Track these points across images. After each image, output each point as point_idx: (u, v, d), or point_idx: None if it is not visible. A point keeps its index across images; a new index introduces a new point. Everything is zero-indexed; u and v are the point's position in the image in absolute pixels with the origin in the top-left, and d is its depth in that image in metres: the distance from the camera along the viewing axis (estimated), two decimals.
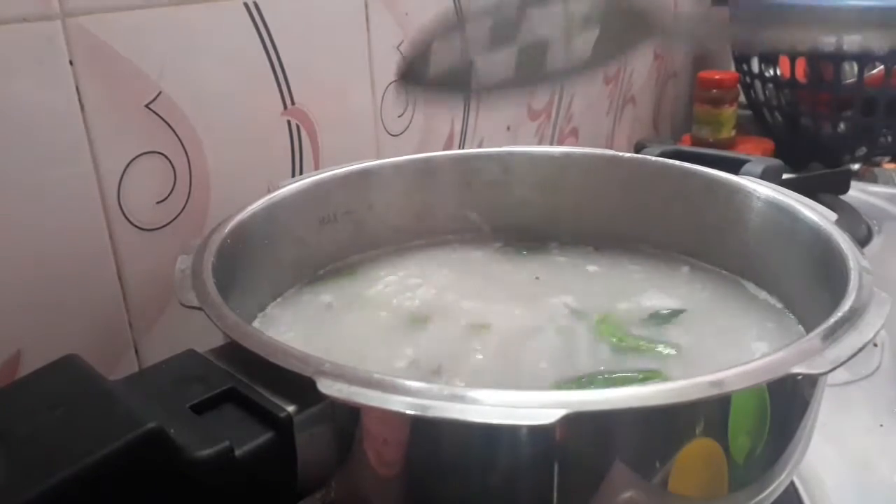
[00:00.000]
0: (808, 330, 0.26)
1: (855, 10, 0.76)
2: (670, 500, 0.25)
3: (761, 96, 0.98)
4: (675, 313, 0.38)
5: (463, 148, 0.63)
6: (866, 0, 0.82)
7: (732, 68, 1.04)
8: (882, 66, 0.85)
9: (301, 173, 0.48)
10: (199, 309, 0.28)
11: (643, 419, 0.24)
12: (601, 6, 0.38)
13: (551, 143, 0.78)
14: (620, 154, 0.46)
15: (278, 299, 0.40)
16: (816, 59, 0.88)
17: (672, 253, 0.44)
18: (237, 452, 0.23)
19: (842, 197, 0.68)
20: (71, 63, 0.35)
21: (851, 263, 0.30)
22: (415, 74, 0.41)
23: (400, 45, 0.54)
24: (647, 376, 0.32)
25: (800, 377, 0.24)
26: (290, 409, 0.24)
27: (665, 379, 0.32)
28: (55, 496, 0.21)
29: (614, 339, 0.35)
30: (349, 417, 0.25)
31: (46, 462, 0.21)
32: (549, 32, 0.39)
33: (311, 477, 0.25)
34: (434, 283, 0.42)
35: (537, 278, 0.43)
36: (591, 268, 0.44)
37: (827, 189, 0.67)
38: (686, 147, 0.84)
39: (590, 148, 0.48)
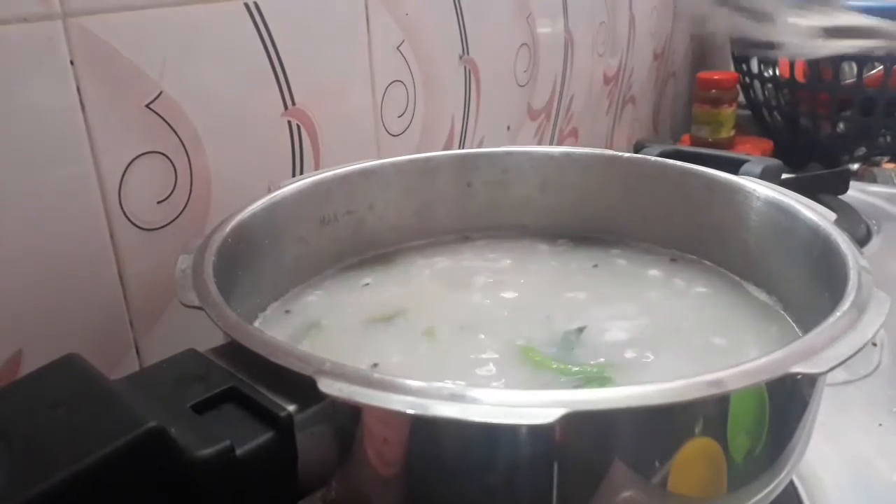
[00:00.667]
0: (807, 329, 0.26)
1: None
2: (670, 499, 0.25)
3: (760, 96, 0.98)
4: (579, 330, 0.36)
5: (463, 148, 0.63)
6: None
7: (731, 68, 1.04)
8: (881, 67, 0.85)
9: (301, 173, 0.48)
10: (200, 308, 0.28)
11: (642, 418, 0.24)
12: None
13: (551, 143, 0.78)
14: (620, 154, 0.46)
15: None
16: (816, 59, 0.88)
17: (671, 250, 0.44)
18: (238, 452, 0.23)
19: (841, 197, 0.69)
20: (72, 63, 0.35)
21: (850, 263, 0.31)
22: None
23: (400, 45, 0.54)
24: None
25: (799, 377, 0.24)
26: (291, 408, 0.24)
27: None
28: (56, 496, 0.21)
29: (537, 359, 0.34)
30: (350, 417, 0.25)
31: (47, 462, 0.21)
32: None
33: (311, 476, 0.25)
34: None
35: (595, 267, 0.43)
36: (595, 265, 0.44)
37: (826, 189, 0.67)
38: (685, 147, 0.84)
39: (589, 148, 0.48)
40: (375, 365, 0.34)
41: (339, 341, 0.36)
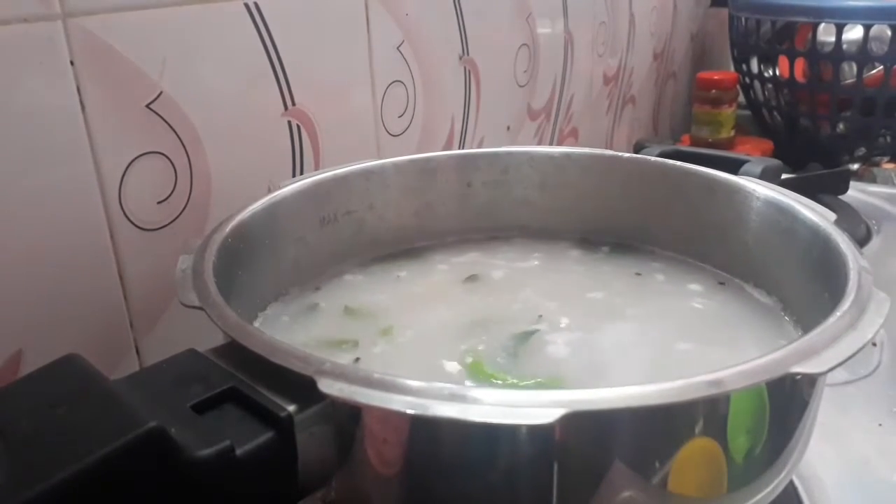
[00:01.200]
0: (807, 330, 0.26)
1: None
2: (670, 499, 0.25)
3: (760, 97, 0.98)
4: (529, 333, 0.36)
5: (463, 148, 0.63)
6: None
7: (731, 68, 1.04)
8: (881, 67, 0.85)
9: (301, 173, 0.48)
10: (200, 309, 0.28)
11: (642, 418, 0.24)
12: None
13: (551, 143, 0.78)
14: (620, 154, 0.46)
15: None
16: (816, 58, 0.88)
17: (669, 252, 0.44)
18: (238, 452, 0.23)
19: (841, 197, 0.69)
20: (72, 63, 0.35)
21: (850, 263, 0.31)
22: None
23: (400, 45, 0.54)
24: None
25: (799, 377, 0.24)
26: (291, 408, 0.24)
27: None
28: (56, 495, 0.21)
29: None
30: (350, 417, 0.25)
31: (47, 461, 0.21)
32: None
33: (311, 476, 0.25)
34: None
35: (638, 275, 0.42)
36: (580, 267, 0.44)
37: (826, 189, 0.67)
38: (685, 147, 0.84)
39: (589, 148, 0.48)
40: (357, 359, 0.34)
41: (317, 326, 0.38)
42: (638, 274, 0.42)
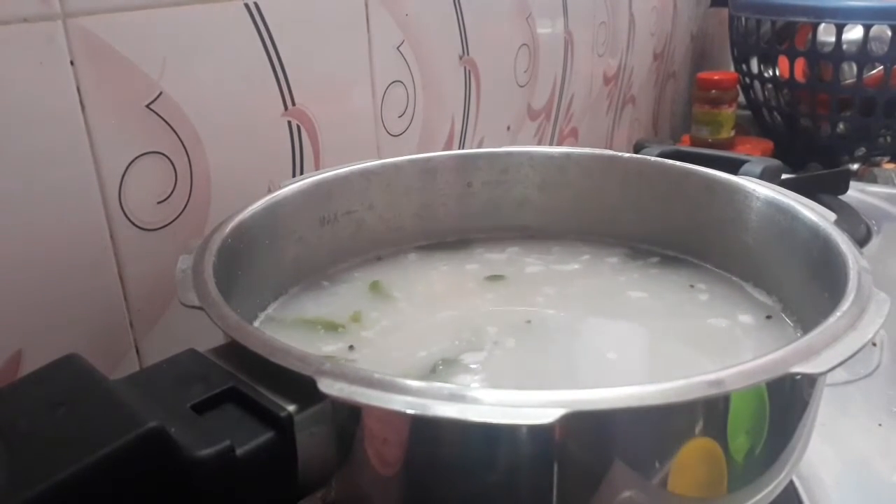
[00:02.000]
0: (807, 330, 0.26)
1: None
2: (670, 499, 0.25)
3: (760, 97, 0.98)
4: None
5: (463, 148, 0.63)
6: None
7: (731, 68, 1.04)
8: (881, 67, 0.85)
9: (301, 173, 0.48)
10: (200, 309, 0.28)
11: (642, 418, 0.24)
12: None
13: (551, 143, 0.78)
14: (620, 154, 0.46)
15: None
16: (816, 58, 0.88)
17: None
18: (238, 452, 0.23)
19: (841, 197, 0.69)
20: (72, 63, 0.35)
21: (850, 263, 0.31)
22: None
23: (400, 45, 0.54)
24: None
25: (799, 377, 0.24)
26: (291, 408, 0.24)
27: None
28: (56, 495, 0.21)
29: None
30: (350, 417, 0.25)
31: (47, 461, 0.21)
32: None
33: (311, 476, 0.25)
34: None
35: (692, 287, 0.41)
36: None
37: (826, 189, 0.67)
38: (685, 147, 0.84)
39: (589, 148, 0.48)
40: (351, 347, 0.35)
41: (335, 297, 0.41)
42: (692, 286, 0.41)
